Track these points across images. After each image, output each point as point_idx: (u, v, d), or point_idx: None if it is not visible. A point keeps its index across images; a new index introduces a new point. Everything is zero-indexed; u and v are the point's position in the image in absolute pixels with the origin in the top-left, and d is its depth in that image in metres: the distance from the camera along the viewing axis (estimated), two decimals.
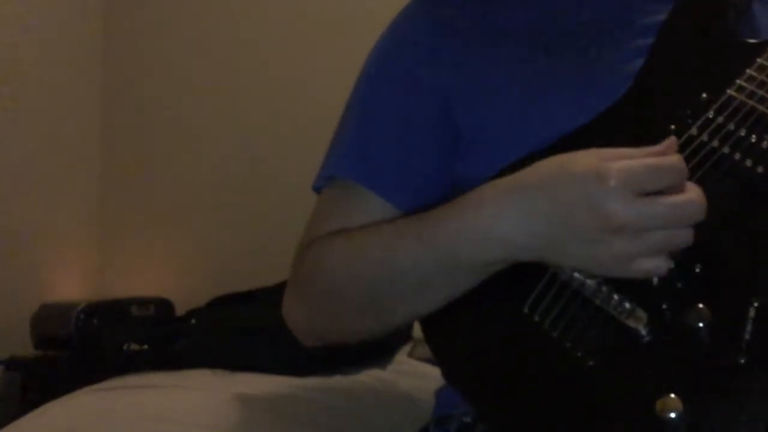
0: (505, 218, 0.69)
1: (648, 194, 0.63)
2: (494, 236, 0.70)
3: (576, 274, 0.69)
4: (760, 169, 0.69)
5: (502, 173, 0.76)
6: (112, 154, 2.32)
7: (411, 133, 0.87)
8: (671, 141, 0.67)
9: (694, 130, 0.72)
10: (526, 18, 0.88)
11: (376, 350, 1.46)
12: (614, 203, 0.63)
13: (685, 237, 0.64)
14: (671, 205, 0.63)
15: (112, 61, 2.33)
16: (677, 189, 0.64)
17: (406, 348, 1.51)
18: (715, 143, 0.71)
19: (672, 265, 0.65)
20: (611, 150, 0.67)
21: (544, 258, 0.69)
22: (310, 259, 0.85)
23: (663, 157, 0.65)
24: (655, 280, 0.67)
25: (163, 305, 2.00)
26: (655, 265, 0.65)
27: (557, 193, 0.66)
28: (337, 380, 1.35)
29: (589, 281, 0.69)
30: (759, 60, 0.75)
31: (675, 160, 0.65)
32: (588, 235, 0.65)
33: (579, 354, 0.68)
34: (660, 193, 0.64)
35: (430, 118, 0.87)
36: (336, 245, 0.83)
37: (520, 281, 0.71)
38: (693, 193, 0.64)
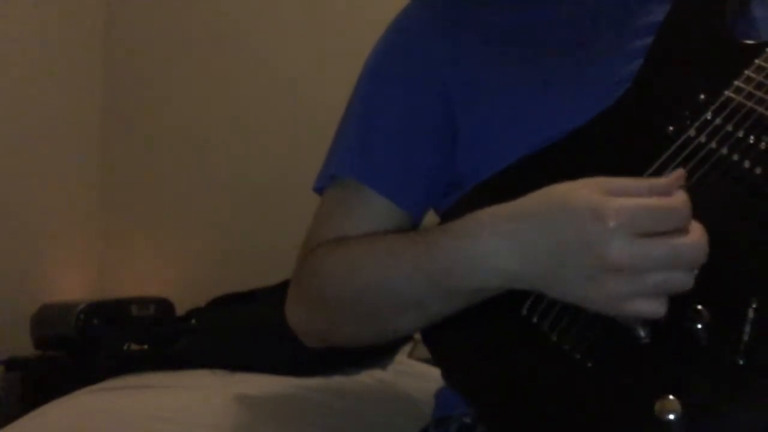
0: (502, 248, 0.68)
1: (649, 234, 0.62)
2: (490, 265, 0.69)
3: None
4: (758, 171, 0.69)
5: (493, 179, 0.76)
6: (112, 155, 2.31)
7: (412, 132, 0.88)
8: (679, 173, 0.65)
9: (692, 131, 0.72)
10: (524, 18, 0.88)
11: (376, 350, 1.46)
12: (612, 244, 0.61)
13: (684, 281, 0.63)
14: (671, 247, 0.62)
15: (112, 62, 2.32)
16: (680, 230, 0.63)
17: (406, 348, 1.51)
18: (713, 144, 0.71)
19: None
20: (615, 182, 0.65)
21: (538, 289, 0.69)
22: (311, 266, 0.85)
23: (667, 198, 0.63)
24: None
25: (163, 305, 1.99)
26: (651, 308, 0.63)
27: (556, 228, 0.65)
28: (337, 380, 1.35)
29: None
30: (757, 61, 0.75)
31: (679, 201, 0.63)
32: (583, 272, 0.64)
33: (577, 356, 0.68)
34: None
35: (431, 117, 0.87)
36: (335, 258, 0.83)
37: None
38: (695, 235, 0.63)
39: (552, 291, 0.68)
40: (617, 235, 0.62)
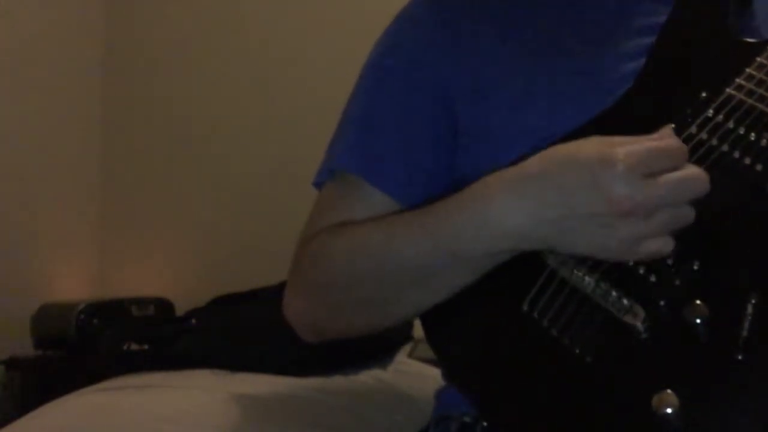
0: (511, 209, 0.69)
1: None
2: (500, 227, 0.70)
3: (576, 271, 0.70)
4: (758, 167, 0.69)
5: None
6: (112, 155, 2.32)
7: (413, 128, 0.87)
8: (667, 128, 0.68)
9: (693, 129, 0.72)
10: (527, 16, 0.88)
11: (377, 350, 1.46)
12: (623, 187, 0.63)
13: (688, 214, 0.65)
14: (676, 180, 0.64)
15: (113, 61, 2.33)
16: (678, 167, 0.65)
17: (406, 348, 1.51)
18: (714, 141, 0.71)
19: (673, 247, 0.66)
20: (612, 137, 0.67)
21: (551, 245, 0.69)
22: (311, 251, 0.85)
23: (664, 139, 0.66)
24: (653, 277, 0.68)
25: (163, 305, 2.00)
26: (660, 245, 0.65)
27: (564, 180, 0.66)
28: (337, 380, 1.34)
29: (587, 278, 0.69)
30: (759, 59, 0.75)
31: (675, 141, 0.66)
32: (596, 221, 0.65)
33: (577, 351, 0.68)
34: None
35: (432, 113, 0.87)
36: (339, 236, 0.83)
37: (518, 279, 0.71)
38: (692, 168, 0.65)
39: (565, 244, 0.69)
40: (626, 179, 0.64)
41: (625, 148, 0.64)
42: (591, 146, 0.66)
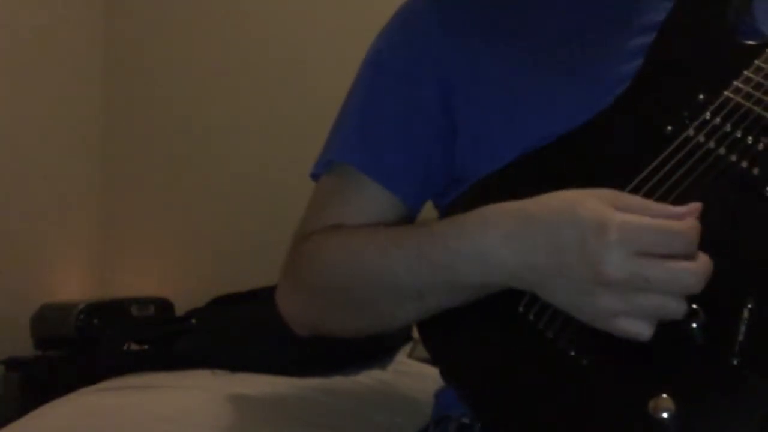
0: (505, 248, 0.69)
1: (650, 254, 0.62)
2: (493, 263, 0.69)
3: None
4: (755, 171, 0.69)
5: (493, 177, 0.77)
6: (112, 155, 2.31)
7: (413, 124, 0.88)
8: (695, 206, 0.64)
9: (690, 131, 0.72)
10: (527, 15, 0.88)
11: (376, 350, 1.46)
12: (609, 258, 0.61)
13: (675, 309, 0.62)
14: (668, 270, 0.61)
15: (113, 61, 2.32)
16: (685, 256, 0.62)
17: (406, 348, 1.51)
18: (712, 144, 0.71)
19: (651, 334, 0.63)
20: (626, 198, 0.66)
21: (534, 291, 0.69)
22: (306, 253, 0.85)
23: (675, 222, 0.63)
24: None
25: (163, 305, 1.99)
26: (637, 330, 0.62)
27: (558, 234, 0.65)
28: (337, 380, 1.35)
29: None
30: (756, 62, 0.75)
31: (686, 226, 0.62)
32: (577, 283, 0.64)
33: (572, 353, 0.68)
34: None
35: (432, 110, 0.87)
36: (333, 246, 0.83)
37: None
38: (698, 263, 0.62)
39: (545, 295, 0.68)
40: (615, 250, 0.61)
41: (626, 216, 0.62)
42: (593, 203, 0.64)
